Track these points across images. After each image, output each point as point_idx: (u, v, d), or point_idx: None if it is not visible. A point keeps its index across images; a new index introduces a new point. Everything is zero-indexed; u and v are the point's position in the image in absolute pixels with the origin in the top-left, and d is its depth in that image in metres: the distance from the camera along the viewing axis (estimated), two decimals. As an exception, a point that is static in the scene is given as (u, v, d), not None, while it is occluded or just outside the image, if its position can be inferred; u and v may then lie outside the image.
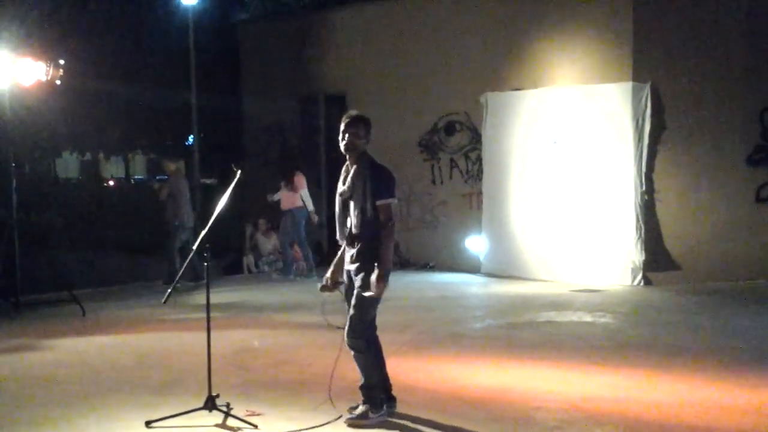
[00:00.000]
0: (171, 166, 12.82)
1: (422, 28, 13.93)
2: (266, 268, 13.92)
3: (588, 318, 9.39)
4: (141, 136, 28.59)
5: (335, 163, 5.83)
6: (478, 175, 13.32)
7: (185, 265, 7.25)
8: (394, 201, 5.61)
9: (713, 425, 5.63)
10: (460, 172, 13.69)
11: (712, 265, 11.70)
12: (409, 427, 5.60)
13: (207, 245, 5.83)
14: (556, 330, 8.82)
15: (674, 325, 9.00)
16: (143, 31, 23.31)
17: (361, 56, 14.78)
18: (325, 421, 5.64)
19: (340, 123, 5.72)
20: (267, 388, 6.59)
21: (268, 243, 14.06)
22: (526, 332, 8.73)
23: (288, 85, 15.79)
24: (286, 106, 15.79)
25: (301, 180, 12.96)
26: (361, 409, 5.63)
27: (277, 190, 13.03)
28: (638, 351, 7.75)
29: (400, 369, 6.68)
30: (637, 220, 11.54)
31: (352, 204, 5.61)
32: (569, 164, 12.02)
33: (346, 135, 5.63)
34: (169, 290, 6.47)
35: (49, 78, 9.78)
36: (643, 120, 11.55)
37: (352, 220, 5.62)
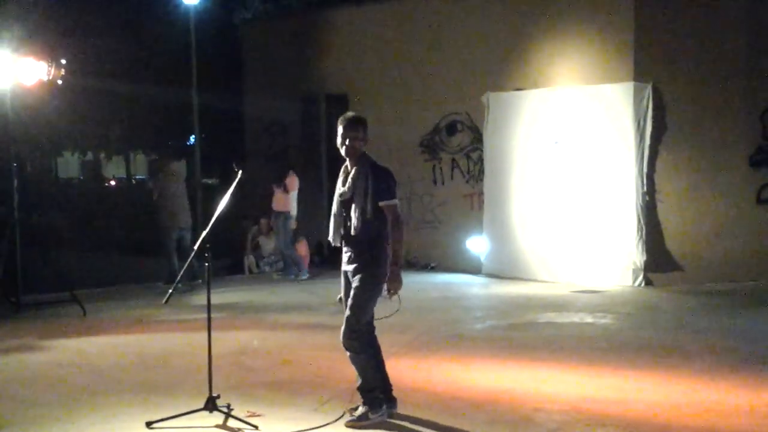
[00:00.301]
0: (162, 166, 12.76)
1: (424, 27, 13.93)
2: (267, 268, 13.92)
3: (589, 319, 9.38)
4: (142, 136, 28.60)
5: (336, 163, 5.82)
6: (480, 176, 13.32)
7: (186, 266, 7.25)
8: (397, 202, 5.61)
9: (714, 426, 5.62)
10: (462, 172, 13.69)
11: (713, 266, 11.69)
12: (409, 428, 5.60)
13: (208, 245, 5.83)
14: (556, 331, 8.82)
15: (675, 326, 9.00)
16: (145, 30, 23.31)
17: (363, 56, 14.78)
18: (326, 422, 5.64)
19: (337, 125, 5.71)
20: (267, 389, 6.59)
21: (270, 243, 14.05)
22: (527, 333, 8.73)
23: (289, 85, 15.79)
24: (287, 106, 15.80)
25: (293, 182, 12.86)
26: (360, 410, 5.63)
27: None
28: (639, 352, 7.75)
29: (401, 370, 6.68)
30: (639, 221, 11.53)
31: (353, 205, 5.60)
32: (570, 165, 12.02)
33: (347, 139, 5.62)
34: (170, 291, 6.48)
35: (50, 78, 9.78)
36: (645, 120, 11.54)
37: (352, 222, 5.61)
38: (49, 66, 9.72)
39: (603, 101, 11.76)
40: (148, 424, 5.60)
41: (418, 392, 6.39)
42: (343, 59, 15.03)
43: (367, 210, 5.54)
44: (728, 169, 11.91)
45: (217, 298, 9.35)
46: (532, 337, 8.53)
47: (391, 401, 5.75)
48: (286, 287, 12.27)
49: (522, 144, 12.54)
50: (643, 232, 11.52)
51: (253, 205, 14.23)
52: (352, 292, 5.60)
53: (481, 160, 13.27)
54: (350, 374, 5.89)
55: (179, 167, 12.69)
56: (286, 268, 13.13)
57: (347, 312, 5.61)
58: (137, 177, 45.88)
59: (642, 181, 11.57)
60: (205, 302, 5.96)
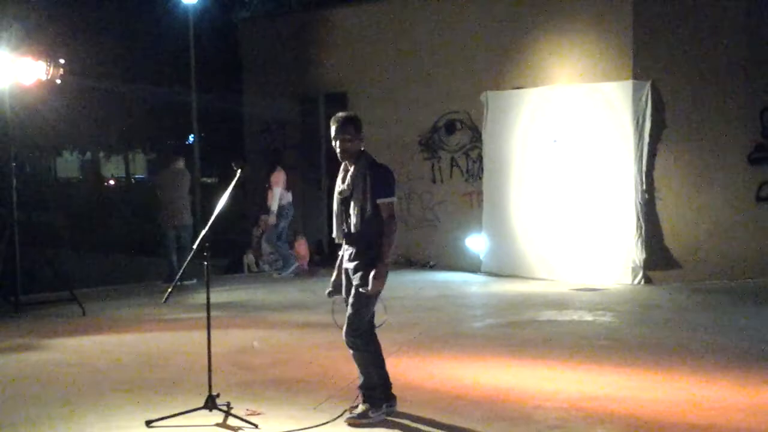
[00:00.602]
0: (168, 164, 12.84)
1: (423, 26, 13.92)
2: (266, 267, 13.91)
3: (588, 317, 9.39)
4: (141, 135, 28.61)
5: (335, 161, 5.82)
6: (479, 174, 13.31)
7: (185, 264, 7.24)
8: (394, 200, 5.60)
9: (713, 424, 5.62)
10: (461, 171, 13.68)
11: (713, 264, 11.69)
12: (409, 426, 5.60)
13: (207, 244, 5.83)
14: (556, 329, 8.82)
15: (674, 323, 9.00)
16: (144, 30, 23.32)
17: (362, 55, 14.77)
18: (325, 421, 5.64)
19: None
20: (267, 388, 6.59)
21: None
22: (527, 331, 8.73)
23: (288, 84, 15.78)
24: (286, 105, 15.79)
25: (277, 177, 12.70)
26: (361, 408, 5.63)
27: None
28: (638, 350, 7.75)
29: (400, 368, 6.68)
30: (638, 219, 11.53)
31: (352, 203, 5.61)
32: (570, 163, 12.01)
33: (338, 141, 5.63)
34: (170, 289, 6.48)
35: (49, 77, 9.76)
36: (644, 118, 11.54)
37: (351, 219, 5.62)
38: (47, 65, 9.70)
39: (602, 99, 11.76)
40: (148, 423, 5.60)
41: (418, 390, 6.39)
42: (343, 58, 15.02)
43: (366, 208, 5.54)
44: (727, 167, 11.91)
45: (216, 296, 9.35)
46: (531, 335, 8.53)
47: (391, 399, 5.76)
48: (285, 286, 12.24)
49: (521, 142, 12.53)
50: (643, 230, 11.52)
51: (255, 203, 14.22)
52: (353, 290, 5.60)
53: (480, 158, 13.27)
54: (350, 372, 5.89)
55: (182, 165, 12.72)
56: (285, 266, 13.07)
57: (349, 310, 5.61)
58: (136, 176, 45.89)
59: (641, 179, 11.56)
60: (204, 301, 5.96)
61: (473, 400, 6.22)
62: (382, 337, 5.80)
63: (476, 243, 13.16)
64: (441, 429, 5.55)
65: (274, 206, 12.67)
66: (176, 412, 5.70)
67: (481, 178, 13.21)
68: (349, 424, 5.57)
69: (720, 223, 11.83)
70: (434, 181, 13.96)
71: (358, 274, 5.54)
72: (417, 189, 14.00)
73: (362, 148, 5.68)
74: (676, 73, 11.72)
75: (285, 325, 9.27)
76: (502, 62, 12.91)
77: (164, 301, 9.08)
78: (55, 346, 8.30)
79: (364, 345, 5.61)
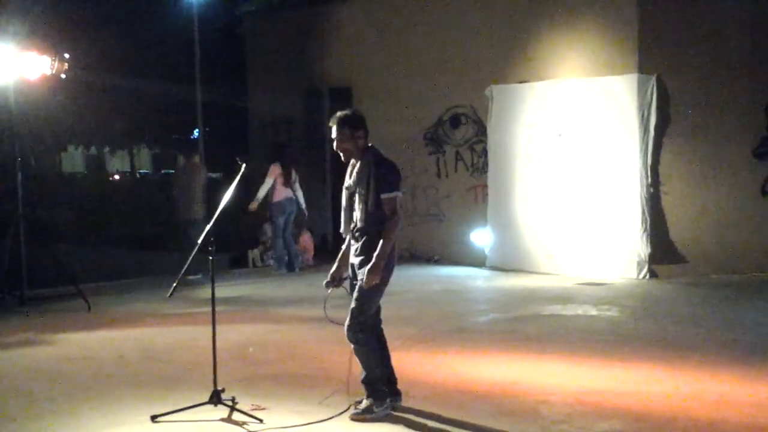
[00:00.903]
0: (180, 160, 13.05)
1: (427, 20, 13.90)
2: (271, 262, 13.90)
3: (593, 311, 9.37)
4: (146, 131, 28.65)
5: (339, 156, 5.81)
6: (484, 168, 13.30)
7: (189, 259, 7.23)
8: (399, 195, 5.59)
9: (718, 418, 5.62)
10: (466, 165, 13.67)
11: (718, 258, 11.67)
12: (414, 420, 5.60)
13: (212, 239, 5.83)
14: (561, 323, 8.81)
15: (679, 318, 8.98)
16: (148, 24, 23.33)
17: (366, 49, 14.75)
18: (330, 416, 5.64)
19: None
20: (272, 383, 6.60)
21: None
22: (531, 326, 8.72)
23: (293, 78, 15.77)
24: (290, 100, 15.78)
25: (271, 170, 12.72)
26: (365, 403, 5.63)
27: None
28: (643, 344, 7.74)
29: (405, 362, 6.67)
30: (643, 213, 11.51)
31: (357, 198, 5.61)
32: (574, 157, 11.99)
33: (335, 142, 5.66)
34: (174, 284, 6.48)
35: (54, 72, 9.76)
36: (649, 112, 11.51)
37: (357, 214, 5.62)
38: (52, 60, 9.70)
39: (607, 93, 11.72)
40: (153, 418, 5.61)
41: (423, 385, 6.39)
42: (347, 52, 15.01)
43: (370, 202, 5.53)
44: (733, 161, 11.88)
45: (221, 291, 9.35)
46: (536, 329, 8.52)
47: (396, 394, 5.76)
48: (290, 281, 12.26)
49: (526, 136, 12.51)
50: (648, 224, 11.50)
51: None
52: (357, 285, 5.59)
53: (485, 152, 13.25)
54: (355, 367, 5.89)
55: (198, 160, 12.98)
56: (290, 261, 13.07)
57: (352, 304, 5.61)
58: (141, 171, 45.93)
59: (646, 173, 11.53)
60: (209, 296, 5.97)
61: (477, 394, 6.22)
62: (387, 331, 5.81)
63: (481, 237, 13.15)
64: (445, 424, 5.55)
65: (260, 194, 12.76)
66: (181, 407, 5.71)
67: (485, 173, 13.20)
68: (354, 419, 5.58)
69: (725, 217, 11.80)
70: (439, 176, 13.95)
71: (364, 269, 5.53)
72: (422, 183, 13.99)
73: (369, 144, 5.68)
74: (681, 67, 11.68)
75: (290, 319, 9.27)
76: (507, 56, 12.89)
77: (169, 296, 9.07)
78: (60, 340, 8.32)
79: (366, 340, 5.59)
